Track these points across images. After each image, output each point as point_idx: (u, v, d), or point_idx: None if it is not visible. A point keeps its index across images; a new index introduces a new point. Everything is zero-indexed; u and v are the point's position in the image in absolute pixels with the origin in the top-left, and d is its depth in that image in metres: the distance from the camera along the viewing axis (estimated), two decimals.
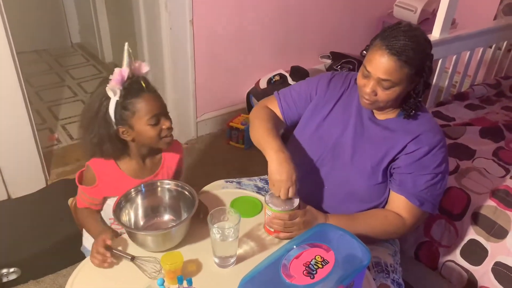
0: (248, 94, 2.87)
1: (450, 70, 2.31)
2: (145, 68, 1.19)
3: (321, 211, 1.25)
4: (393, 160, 1.21)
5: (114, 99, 1.15)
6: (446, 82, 2.35)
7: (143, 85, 1.17)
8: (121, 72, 1.14)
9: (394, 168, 1.22)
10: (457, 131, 1.85)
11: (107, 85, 1.14)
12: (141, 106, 1.17)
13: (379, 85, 1.13)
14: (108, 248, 1.10)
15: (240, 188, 1.50)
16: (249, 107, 2.89)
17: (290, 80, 2.77)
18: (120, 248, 1.14)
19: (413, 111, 1.19)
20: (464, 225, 1.50)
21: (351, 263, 1.01)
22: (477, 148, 1.73)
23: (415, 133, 1.19)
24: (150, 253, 1.13)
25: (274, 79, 2.79)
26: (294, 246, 1.01)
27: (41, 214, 1.93)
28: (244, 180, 1.55)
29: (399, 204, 1.21)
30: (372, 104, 1.19)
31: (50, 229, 1.85)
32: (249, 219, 1.28)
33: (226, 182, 1.53)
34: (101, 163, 1.24)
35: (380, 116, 1.26)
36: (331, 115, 1.32)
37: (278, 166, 1.15)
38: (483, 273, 1.44)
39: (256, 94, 2.81)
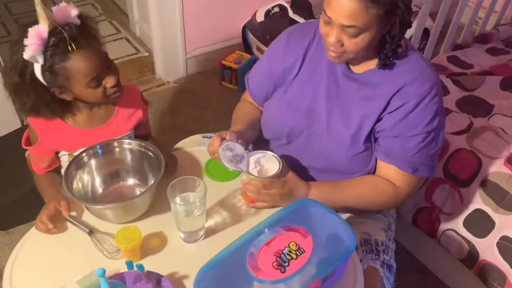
0: (244, 28, 2.58)
1: (474, 4, 1.99)
2: (73, 12, 0.95)
3: None
4: (377, 121, 1.01)
5: (37, 65, 0.94)
6: (469, 19, 2.04)
7: (71, 43, 0.93)
8: (38, 32, 0.91)
9: (378, 132, 1.03)
10: (474, 81, 1.61)
11: (23, 53, 0.91)
12: (74, 70, 0.96)
13: (344, 33, 0.91)
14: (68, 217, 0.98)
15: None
16: (245, 43, 2.62)
17: (291, 13, 2.46)
18: (75, 215, 1.01)
19: (390, 59, 0.97)
20: (470, 192, 1.34)
21: (333, 250, 0.86)
22: (496, 103, 1.51)
23: (399, 84, 0.98)
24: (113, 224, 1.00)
25: (273, 11, 2.48)
26: (266, 229, 0.85)
27: (9, 160, 1.78)
28: None
29: (389, 173, 1.04)
30: (339, 57, 0.96)
31: (19, 178, 1.72)
32: (225, 184, 1.13)
33: (204, 137, 1.35)
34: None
35: (357, 68, 1.03)
36: (298, 77, 1.10)
37: None
38: (486, 246, 1.30)
39: (253, 28, 2.52)
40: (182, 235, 0.98)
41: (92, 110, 1.11)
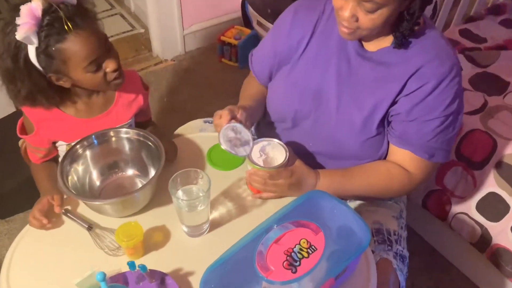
0: (243, 1, 2.47)
1: None
2: None
3: None
4: (392, 105, 0.95)
5: (32, 48, 0.86)
6: None
7: (67, 22, 0.86)
8: (31, 11, 0.83)
9: (392, 116, 0.96)
10: (488, 57, 1.53)
11: (16, 34, 0.84)
12: (72, 52, 0.89)
13: (360, 8, 0.83)
14: (65, 211, 0.94)
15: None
16: (245, 17, 2.50)
17: None
18: (72, 210, 0.95)
19: (406, 38, 0.90)
20: (484, 175, 1.28)
21: (346, 246, 0.82)
22: None
23: (416, 64, 0.90)
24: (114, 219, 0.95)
25: None
26: (275, 226, 0.80)
27: (5, 147, 1.72)
28: None
29: (403, 158, 0.98)
30: (352, 34, 0.89)
31: (17, 165, 1.66)
32: (229, 173, 1.07)
33: (205, 122, 1.29)
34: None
35: (371, 46, 0.96)
36: (305, 55, 1.02)
37: None
38: (500, 230, 1.26)
39: (253, 1, 2.41)
40: (185, 229, 0.94)
41: (91, 98, 1.04)
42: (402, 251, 0.99)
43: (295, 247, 0.76)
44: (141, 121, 1.17)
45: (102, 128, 1.02)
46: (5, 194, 1.62)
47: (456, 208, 1.35)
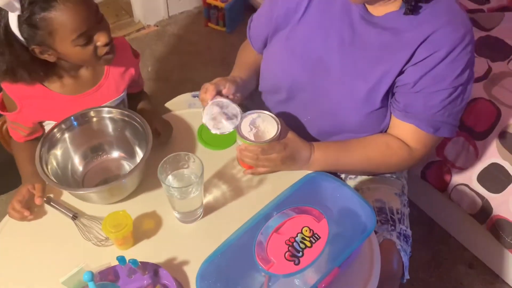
0: None
1: None
2: None
3: None
4: (398, 75, 0.87)
5: (13, 16, 0.76)
6: None
7: None
8: None
9: (397, 86, 0.89)
10: (491, 19, 1.44)
11: None
12: (59, 23, 0.79)
13: None
14: (47, 200, 0.87)
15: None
16: None
17: None
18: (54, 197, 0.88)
19: (417, 3, 0.82)
20: (487, 145, 1.24)
21: (350, 232, 0.77)
22: None
23: (427, 30, 0.83)
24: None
25: None
26: (275, 213, 0.74)
27: None
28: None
29: (406, 132, 0.92)
30: None
31: None
32: (222, 152, 1.01)
33: (194, 96, 1.20)
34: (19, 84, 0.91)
35: (377, 10, 0.87)
36: (304, 19, 0.94)
37: None
38: (501, 202, 1.23)
39: None
40: (178, 215, 0.88)
41: (79, 73, 0.95)
42: (405, 230, 0.95)
43: (297, 236, 0.71)
44: (132, 92, 1.08)
45: (93, 105, 0.95)
46: None
47: (456, 179, 1.32)
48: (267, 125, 0.91)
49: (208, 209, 0.91)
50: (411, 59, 0.85)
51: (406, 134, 0.92)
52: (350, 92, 0.91)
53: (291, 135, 0.91)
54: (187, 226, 0.89)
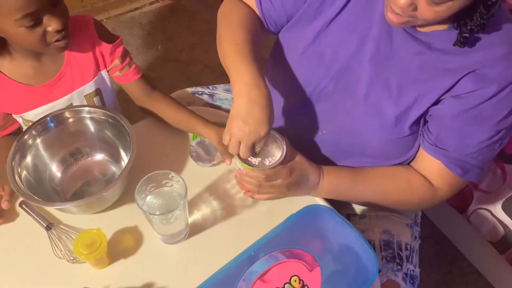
0: None
1: None
2: None
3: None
4: (435, 103, 0.75)
5: None
6: None
7: None
8: None
9: (431, 115, 0.76)
10: None
11: None
12: None
13: None
14: (21, 204, 0.80)
15: (212, 103, 1.07)
16: None
17: None
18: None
19: (471, 33, 0.68)
20: None
21: (349, 279, 0.67)
22: None
23: (478, 60, 0.70)
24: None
25: None
26: (262, 254, 0.65)
27: None
28: (220, 92, 1.09)
29: (432, 168, 0.79)
30: (404, 23, 0.68)
31: None
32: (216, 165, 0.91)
33: (194, 94, 1.09)
34: None
35: (423, 27, 0.74)
36: (338, 20, 0.79)
37: (245, 109, 0.71)
38: None
39: None
40: (159, 236, 0.79)
41: (39, 60, 0.84)
42: (413, 270, 0.85)
43: (284, 286, 0.62)
44: (126, 83, 0.93)
45: (57, 96, 0.85)
46: None
47: (478, 203, 1.19)
48: (271, 145, 0.80)
49: (195, 229, 0.82)
50: (452, 88, 0.72)
51: (432, 171, 0.79)
52: (376, 112, 0.79)
53: (298, 158, 0.79)
54: (170, 247, 0.80)
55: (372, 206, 0.93)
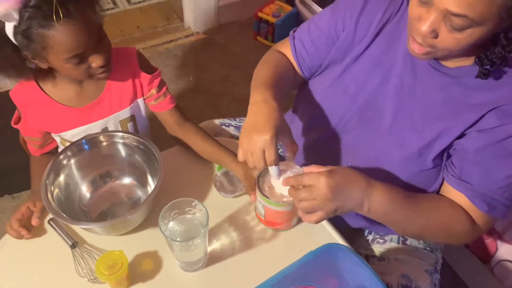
0: None
1: None
2: None
3: None
4: (459, 137, 0.76)
5: (9, 25, 0.72)
6: None
7: (58, 9, 0.71)
8: None
9: (455, 149, 0.77)
10: None
11: None
12: (55, 42, 0.74)
13: (446, 22, 0.63)
14: (50, 221, 0.84)
15: (238, 136, 1.10)
16: None
17: None
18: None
19: (494, 66, 0.69)
20: None
21: None
22: None
23: (503, 96, 0.71)
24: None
25: None
26: None
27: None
28: None
29: (459, 202, 0.78)
30: (426, 54, 0.70)
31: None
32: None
33: (221, 125, 1.12)
34: (22, 90, 0.88)
35: (448, 62, 0.76)
36: (364, 57, 0.83)
37: (251, 122, 0.75)
38: None
39: None
40: (179, 263, 0.81)
41: (81, 85, 0.90)
42: None
43: None
44: (160, 112, 0.98)
45: (96, 119, 0.91)
46: (12, 170, 1.55)
47: (502, 254, 1.16)
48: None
49: (213, 258, 0.83)
50: (476, 123, 0.73)
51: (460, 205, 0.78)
52: (400, 145, 0.80)
53: (341, 172, 0.73)
54: (188, 275, 0.82)
55: (408, 234, 0.90)
